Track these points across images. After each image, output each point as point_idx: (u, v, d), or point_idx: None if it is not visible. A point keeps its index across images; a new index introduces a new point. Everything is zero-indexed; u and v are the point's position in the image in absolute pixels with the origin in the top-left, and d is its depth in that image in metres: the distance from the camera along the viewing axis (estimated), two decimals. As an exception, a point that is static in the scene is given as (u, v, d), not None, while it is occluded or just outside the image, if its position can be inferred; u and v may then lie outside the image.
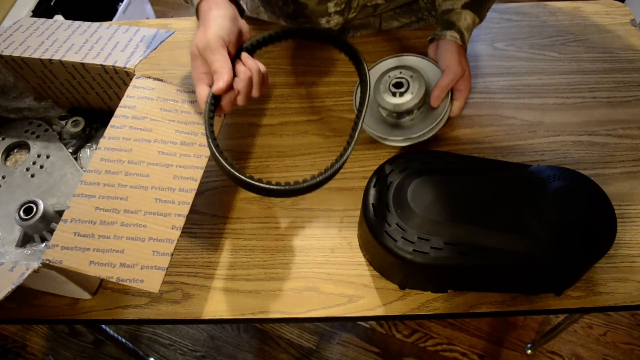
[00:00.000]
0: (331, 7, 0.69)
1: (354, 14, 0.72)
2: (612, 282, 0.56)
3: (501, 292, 0.56)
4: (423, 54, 0.67)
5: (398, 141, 0.64)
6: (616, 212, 0.51)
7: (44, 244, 0.55)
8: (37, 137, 0.67)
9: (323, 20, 0.71)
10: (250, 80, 0.54)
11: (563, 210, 0.49)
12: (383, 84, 0.63)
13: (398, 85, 0.62)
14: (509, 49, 0.75)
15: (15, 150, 0.68)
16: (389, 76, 0.63)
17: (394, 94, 0.62)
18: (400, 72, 0.63)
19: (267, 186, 0.50)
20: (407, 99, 0.61)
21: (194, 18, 0.82)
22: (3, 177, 0.65)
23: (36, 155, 0.66)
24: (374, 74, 0.66)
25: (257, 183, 0.49)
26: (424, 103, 0.64)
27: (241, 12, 0.59)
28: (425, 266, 0.50)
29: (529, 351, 1.20)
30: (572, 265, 0.50)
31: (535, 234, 0.48)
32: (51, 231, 0.58)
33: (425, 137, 0.64)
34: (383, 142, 0.65)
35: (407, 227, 0.50)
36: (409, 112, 0.63)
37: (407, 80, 0.62)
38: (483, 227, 0.49)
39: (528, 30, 0.77)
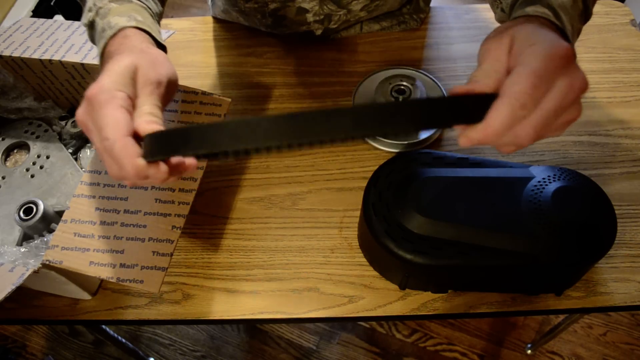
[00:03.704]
0: (310, 17, 0.69)
1: (335, 26, 0.72)
2: (612, 282, 0.56)
3: (501, 292, 0.56)
4: (412, 61, 0.67)
5: (394, 146, 0.64)
6: (616, 212, 0.51)
7: (39, 239, 0.55)
8: (37, 137, 0.67)
9: (304, 28, 0.72)
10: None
11: (563, 210, 0.49)
12: (383, 91, 0.63)
13: (400, 91, 0.63)
14: (509, 49, 0.75)
15: (15, 151, 0.68)
16: (390, 83, 0.64)
17: (396, 99, 0.62)
18: (401, 80, 0.64)
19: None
20: None
21: (194, 18, 0.83)
22: (3, 178, 0.65)
23: (36, 156, 0.66)
24: (373, 80, 0.67)
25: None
26: None
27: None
28: (425, 266, 0.50)
29: (529, 351, 1.20)
30: (572, 265, 0.50)
31: (535, 234, 0.48)
32: (51, 232, 0.58)
33: (422, 145, 0.64)
34: (379, 147, 0.65)
35: (407, 227, 0.50)
36: None
37: (409, 88, 0.63)
38: (483, 227, 0.49)
39: (528, 30, 0.77)
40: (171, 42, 0.75)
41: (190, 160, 0.37)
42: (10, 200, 0.62)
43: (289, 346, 1.24)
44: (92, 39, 0.47)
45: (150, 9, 0.47)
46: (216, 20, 0.81)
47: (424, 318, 0.57)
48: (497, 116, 0.32)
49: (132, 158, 0.35)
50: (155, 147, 0.35)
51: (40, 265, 0.47)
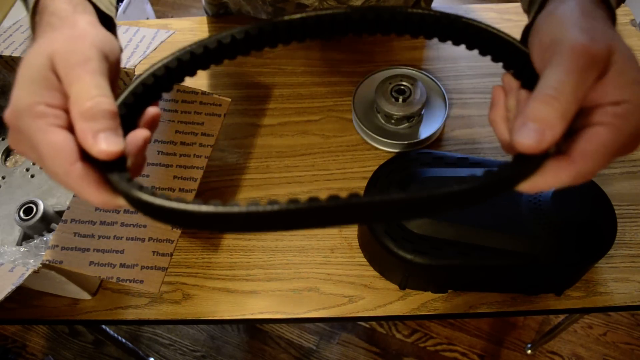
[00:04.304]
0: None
1: None
2: (612, 282, 0.56)
3: (501, 292, 0.56)
4: (412, 61, 0.66)
5: (394, 146, 0.64)
6: (616, 212, 0.51)
7: (39, 239, 0.56)
8: (37, 137, 0.67)
9: None
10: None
11: (563, 210, 0.49)
12: (383, 91, 0.63)
13: (400, 91, 0.63)
14: (509, 49, 0.75)
15: (15, 151, 0.68)
16: (390, 83, 0.64)
17: (396, 99, 0.62)
18: (401, 80, 0.64)
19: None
20: (410, 105, 0.62)
21: (194, 18, 0.83)
22: (3, 178, 0.65)
23: (36, 156, 0.66)
24: (373, 80, 0.67)
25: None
26: (423, 111, 0.65)
27: (108, 22, 0.36)
28: (425, 266, 0.50)
29: (529, 351, 1.20)
30: (572, 265, 0.50)
31: (535, 234, 0.48)
32: (51, 232, 0.58)
33: (422, 145, 0.64)
34: (379, 147, 0.65)
35: (407, 227, 0.50)
36: (408, 118, 0.64)
37: (409, 88, 0.63)
38: (483, 227, 0.49)
39: (528, 30, 0.77)
40: (171, 42, 0.74)
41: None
42: (10, 200, 0.62)
43: (289, 346, 1.24)
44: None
45: None
46: (216, 19, 0.81)
47: (424, 318, 0.57)
48: (557, 179, 0.27)
49: (94, 190, 0.28)
50: (138, 207, 0.27)
51: (40, 265, 0.47)
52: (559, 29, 0.28)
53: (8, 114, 0.29)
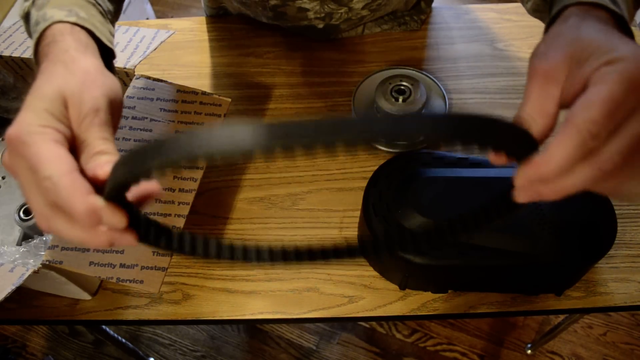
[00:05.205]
0: (310, 14, 0.69)
1: (337, 22, 0.72)
2: (612, 282, 0.56)
3: (501, 292, 0.56)
4: (412, 61, 0.66)
5: (394, 146, 0.64)
6: (616, 212, 0.51)
7: (39, 239, 0.56)
8: (37, 137, 0.67)
9: (305, 22, 0.72)
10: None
11: (563, 210, 0.49)
12: (384, 90, 0.63)
13: (400, 91, 0.63)
14: (509, 49, 0.75)
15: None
16: (390, 83, 0.64)
17: (396, 99, 0.62)
18: (401, 80, 0.64)
19: None
20: (410, 105, 0.62)
21: (194, 18, 0.83)
22: (3, 178, 0.65)
23: (36, 156, 0.66)
24: (373, 80, 0.67)
25: None
26: (423, 111, 0.65)
27: (108, 59, 0.40)
28: (425, 266, 0.50)
29: (529, 351, 1.20)
30: (572, 265, 0.50)
31: (535, 234, 0.48)
32: (51, 231, 0.58)
33: (422, 145, 0.64)
34: (379, 147, 0.65)
35: (407, 227, 0.50)
36: None
37: (409, 88, 0.63)
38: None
39: (528, 30, 0.77)
40: (171, 42, 0.74)
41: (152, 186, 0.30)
42: (10, 200, 0.62)
43: (289, 346, 1.24)
44: (30, 35, 0.40)
45: (100, 5, 0.41)
46: (216, 20, 0.81)
47: (424, 318, 0.57)
48: (562, 146, 0.26)
49: (83, 196, 0.28)
50: (127, 165, 0.26)
51: (40, 265, 0.47)
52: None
53: (13, 129, 0.30)
